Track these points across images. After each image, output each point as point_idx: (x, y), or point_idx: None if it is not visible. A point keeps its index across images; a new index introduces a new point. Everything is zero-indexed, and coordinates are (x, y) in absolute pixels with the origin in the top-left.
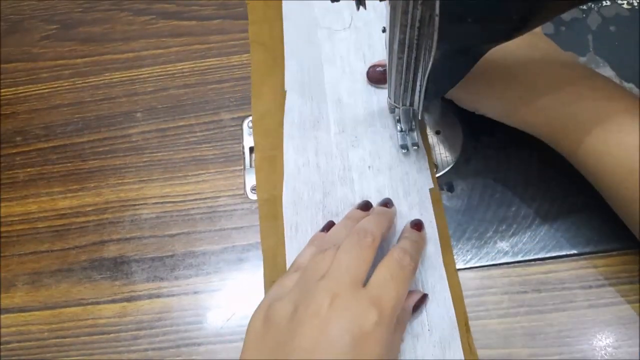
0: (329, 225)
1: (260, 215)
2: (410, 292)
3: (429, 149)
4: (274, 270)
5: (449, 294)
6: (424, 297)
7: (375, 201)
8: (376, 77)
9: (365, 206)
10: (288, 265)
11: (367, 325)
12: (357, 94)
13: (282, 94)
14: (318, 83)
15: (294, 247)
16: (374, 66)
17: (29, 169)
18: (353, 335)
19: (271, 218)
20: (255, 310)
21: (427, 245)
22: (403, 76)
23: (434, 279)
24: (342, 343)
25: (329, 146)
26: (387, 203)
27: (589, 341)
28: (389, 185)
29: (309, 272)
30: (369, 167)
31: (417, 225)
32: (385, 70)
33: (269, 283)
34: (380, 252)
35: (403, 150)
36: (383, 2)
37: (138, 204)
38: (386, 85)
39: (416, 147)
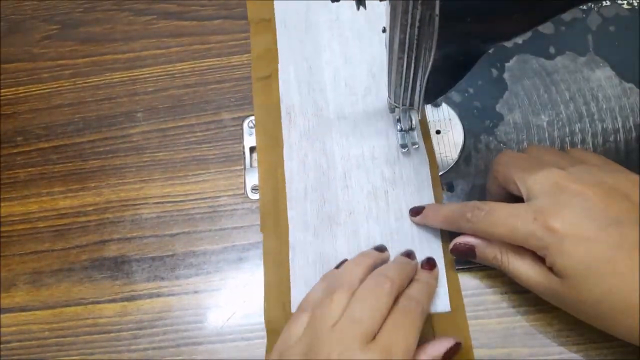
0: (343, 263)
1: (262, 213)
2: (439, 340)
3: (431, 149)
4: (275, 271)
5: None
6: (456, 347)
7: (376, 199)
8: (461, 251)
9: (381, 249)
10: (290, 266)
11: None
12: (357, 84)
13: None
14: (318, 75)
15: (297, 246)
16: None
17: (29, 169)
18: None
19: (272, 216)
20: None
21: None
22: (403, 76)
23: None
24: None
25: (330, 143)
26: (410, 254)
27: (589, 340)
28: (390, 181)
29: (318, 319)
30: (372, 161)
31: (429, 264)
32: (469, 245)
33: (269, 284)
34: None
35: (403, 150)
36: (383, 2)
37: (139, 204)
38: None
39: (416, 147)
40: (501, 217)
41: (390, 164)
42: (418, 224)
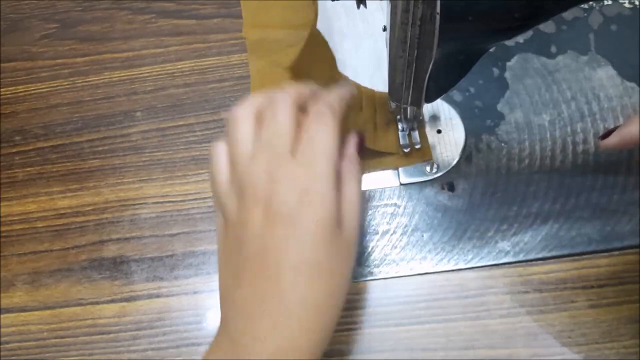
0: None
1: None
2: (348, 141)
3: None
4: None
5: None
6: (361, 138)
7: None
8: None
9: None
10: None
11: (305, 186)
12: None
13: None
14: None
15: None
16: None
17: (28, 169)
18: (297, 195)
19: None
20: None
21: None
22: (404, 75)
23: None
24: (286, 211)
25: None
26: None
27: (591, 341)
28: None
29: (237, 158)
30: None
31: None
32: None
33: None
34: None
35: (405, 150)
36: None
37: (138, 204)
38: None
39: (418, 147)
40: None
41: None
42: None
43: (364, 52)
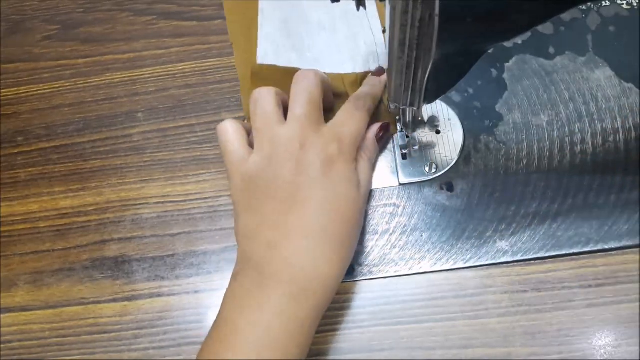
0: None
1: None
2: (371, 126)
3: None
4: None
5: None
6: (384, 127)
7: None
8: None
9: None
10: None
11: (331, 155)
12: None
13: None
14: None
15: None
16: None
17: (30, 169)
18: (322, 160)
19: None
20: (229, 175)
21: None
22: (403, 76)
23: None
24: (314, 166)
25: None
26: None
27: (589, 340)
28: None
29: (267, 127)
30: None
31: (378, 72)
32: None
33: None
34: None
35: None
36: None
37: (139, 204)
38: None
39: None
40: None
41: None
42: None
43: (339, 40)
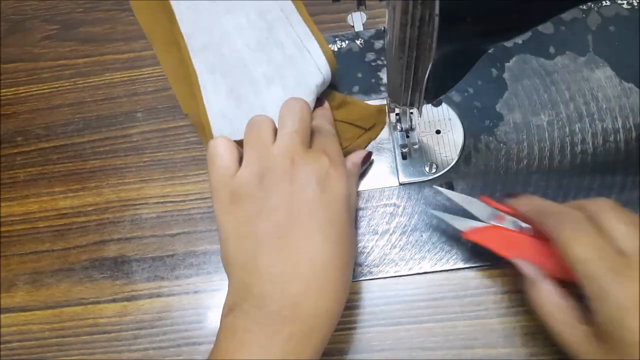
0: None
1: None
2: (355, 153)
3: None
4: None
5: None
6: (369, 155)
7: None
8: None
9: None
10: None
11: (324, 167)
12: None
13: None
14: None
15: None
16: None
17: (29, 169)
18: (317, 177)
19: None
20: (215, 192)
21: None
22: (403, 76)
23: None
24: (311, 186)
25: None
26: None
27: None
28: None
29: (258, 148)
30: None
31: (320, 103)
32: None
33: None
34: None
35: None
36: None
37: (139, 204)
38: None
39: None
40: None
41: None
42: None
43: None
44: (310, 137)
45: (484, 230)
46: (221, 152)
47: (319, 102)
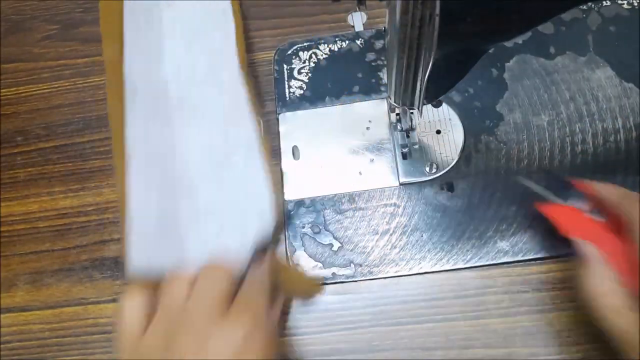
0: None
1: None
2: (275, 303)
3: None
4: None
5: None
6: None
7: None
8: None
9: None
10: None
11: (240, 335)
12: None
13: None
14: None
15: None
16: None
17: (29, 169)
18: (233, 348)
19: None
20: (121, 353)
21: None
22: (403, 76)
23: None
24: (224, 355)
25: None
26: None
27: (589, 341)
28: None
29: (167, 304)
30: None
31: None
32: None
33: None
34: None
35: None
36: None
37: None
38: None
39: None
40: None
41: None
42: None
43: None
44: (238, 288)
45: (561, 207)
46: (126, 313)
47: (258, 253)
